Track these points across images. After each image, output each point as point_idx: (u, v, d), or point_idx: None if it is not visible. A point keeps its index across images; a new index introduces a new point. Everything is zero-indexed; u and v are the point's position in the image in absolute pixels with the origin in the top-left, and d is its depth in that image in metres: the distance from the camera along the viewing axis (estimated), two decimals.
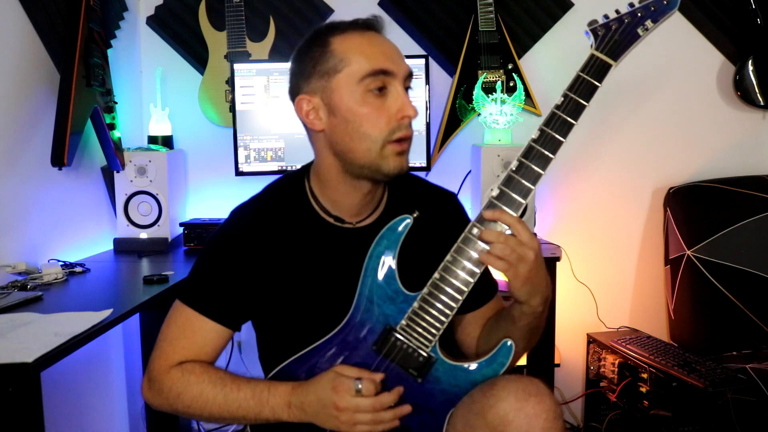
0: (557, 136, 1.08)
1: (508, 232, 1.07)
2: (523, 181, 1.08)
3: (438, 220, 1.25)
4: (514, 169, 1.09)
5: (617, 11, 1.11)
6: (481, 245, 1.08)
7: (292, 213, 1.20)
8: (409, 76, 1.15)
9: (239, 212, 1.22)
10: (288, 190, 1.23)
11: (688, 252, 2.25)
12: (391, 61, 1.12)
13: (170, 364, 1.15)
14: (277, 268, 1.18)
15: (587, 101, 1.09)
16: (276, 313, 1.20)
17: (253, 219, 1.20)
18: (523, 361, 2.06)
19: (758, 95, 2.34)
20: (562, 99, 1.09)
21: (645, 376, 1.96)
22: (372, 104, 1.10)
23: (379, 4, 2.35)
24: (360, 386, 1.07)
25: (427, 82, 2.17)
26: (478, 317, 1.27)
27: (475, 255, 1.08)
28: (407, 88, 1.15)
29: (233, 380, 1.13)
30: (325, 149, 1.16)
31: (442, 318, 1.10)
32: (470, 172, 2.26)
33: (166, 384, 1.14)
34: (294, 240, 1.19)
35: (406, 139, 1.13)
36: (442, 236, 1.15)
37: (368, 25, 1.14)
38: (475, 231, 1.08)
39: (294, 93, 1.17)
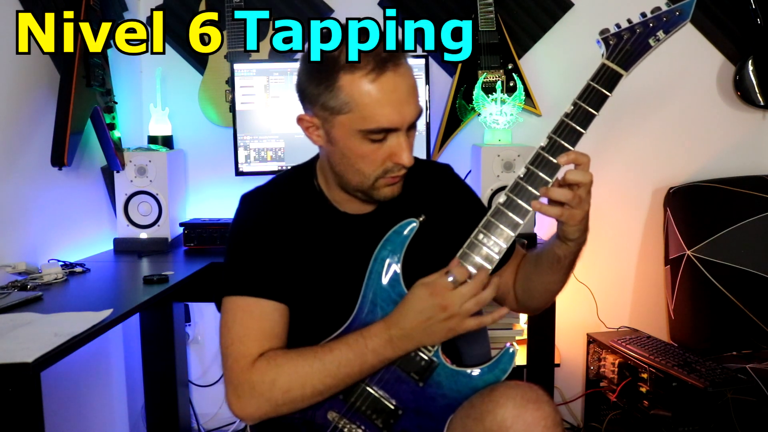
0: (565, 145, 1.08)
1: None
2: (530, 188, 1.08)
3: (439, 195, 1.26)
4: (521, 176, 1.08)
5: (629, 20, 1.10)
6: (494, 239, 1.07)
7: (302, 198, 1.21)
8: (417, 118, 1.10)
9: (252, 198, 1.23)
10: (298, 176, 1.25)
11: (688, 252, 2.25)
12: (398, 115, 1.06)
13: (249, 360, 1.09)
14: (292, 251, 1.17)
15: (597, 110, 1.08)
16: (292, 297, 1.18)
17: (267, 203, 1.21)
18: (522, 361, 2.06)
19: (758, 95, 2.34)
20: (572, 107, 1.08)
21: (645, 376, 1.96)
22: (370, 147, 1.09)
23: (379, 4, 2.35)
24: (454, 276, 1.05)
25: (427, 82, 2.17)
26: (506, 270, 1.26)
27: (479, 261, 1.08)
28: (412, 127, 1.11)
29: (320, 347, 1.09)
30: (325, 159, 1.18)
31: None
32: (470, 171, 2.26)
33: (255, 378, 1.07)
34: (305, 224, 1.19)
35: (399, 175, 1.13)
36: (446, 210, 1.15)
37: (383, 64, 1.04)
38: (481, 237, 1.08)
39: (300, 99, 1.16)
